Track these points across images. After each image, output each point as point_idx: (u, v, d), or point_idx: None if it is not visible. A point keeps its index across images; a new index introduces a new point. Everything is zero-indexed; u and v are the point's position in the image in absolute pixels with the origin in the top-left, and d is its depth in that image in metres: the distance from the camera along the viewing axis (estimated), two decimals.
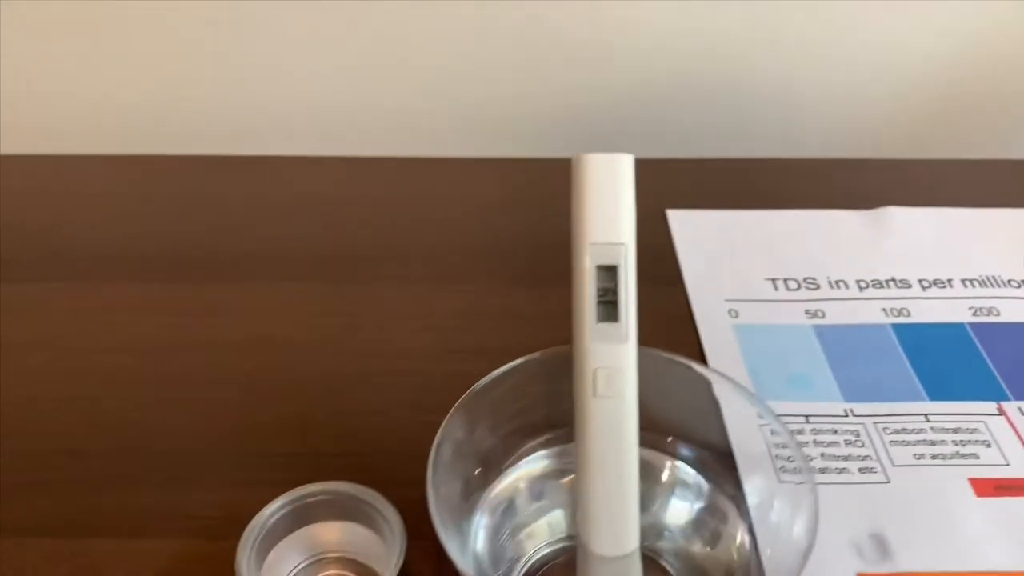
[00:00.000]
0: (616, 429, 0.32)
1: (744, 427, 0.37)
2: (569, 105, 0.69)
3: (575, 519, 0.32)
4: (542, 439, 0.37)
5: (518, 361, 0.36)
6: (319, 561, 0.37)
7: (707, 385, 0.37)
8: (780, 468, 0.35)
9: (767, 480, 0.35)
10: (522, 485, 0.37)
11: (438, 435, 0.33)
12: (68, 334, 0.50)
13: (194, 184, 0.63)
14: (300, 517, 0.36)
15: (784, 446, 0.34)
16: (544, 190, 0.63)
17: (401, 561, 0.34)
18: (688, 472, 0.37)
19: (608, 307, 0.32)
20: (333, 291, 0.54)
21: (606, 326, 0.31)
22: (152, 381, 0.47)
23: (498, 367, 0.36)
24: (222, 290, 0.53)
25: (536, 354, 0.36)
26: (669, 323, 0.51)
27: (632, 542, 0.32)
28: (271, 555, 0.36)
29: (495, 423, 0.36)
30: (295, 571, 0.37)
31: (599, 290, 0.32)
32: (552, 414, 0.36)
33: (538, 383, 0.36)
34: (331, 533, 0.37)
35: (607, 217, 0.31)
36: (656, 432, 0.36)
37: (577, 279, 0.32)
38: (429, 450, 0.43)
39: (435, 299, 0.53)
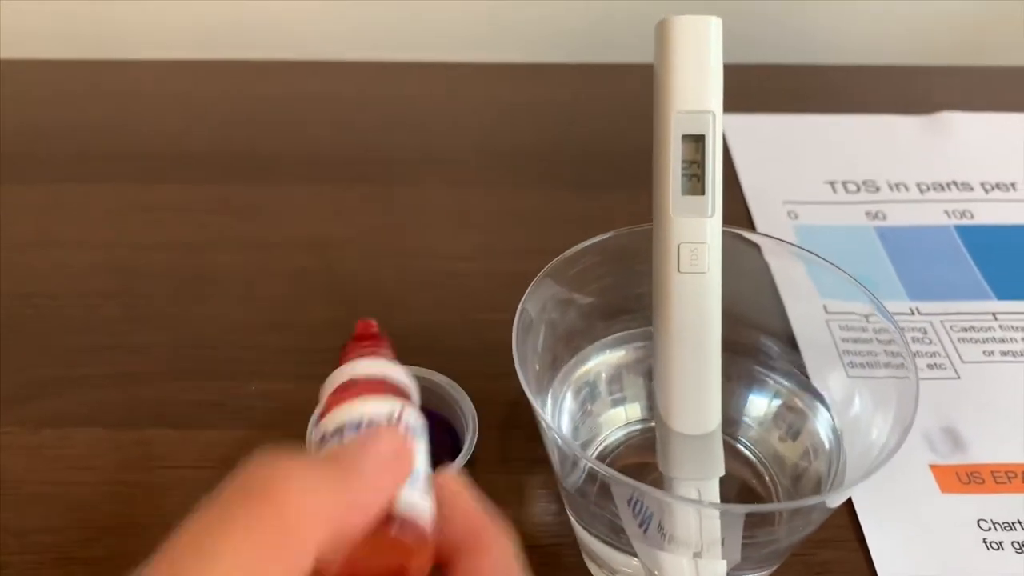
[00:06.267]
0: (700, 305, 0.30)
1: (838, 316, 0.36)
2: (610, 10, 0.67)
3: (655, 397, 0.31)
4: (620, 321, 0.36)
5: (599, 237, 0.34)
6: None
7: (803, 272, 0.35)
8: (869, 363, 0.34)
9: (856, 374, 0.35)
10: (600, 372, 0.37)
11: (522, 301, 0.32)
12: (113, 232, 0.49)
13: (239, 89, 0.61)
14: None
15: (890, 341, 0.33)
16: (587, 96, 0.62)
17: (474, 445, 0.33)
18: (772, 362, 0.36)
19: (693, 180, 0.30)
20: (377, 193, 0.52)
21: (691, 199, 0.30)
22: (199, 278, 0.46)
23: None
24: (265, 191, 0.52)
25: (615, 232, 0.34)
26: (736, 250, 0.50)
27: (714, 420, 0.31)
28: None
29: (573, 299, 0.35)
30: None
31: (684, 162, 0.30)
32: (630, 295, 0.35)
33: (617, 262, 0.35)
34: None
35: (694, 83, 0.29)
36: (737, 321, 0.35)
37: (660, 150, 0.30)
38: (478, 346, 0.43)
39: (480, 201, 0.52)
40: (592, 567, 0.34)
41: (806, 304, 0.36)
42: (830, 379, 0.35)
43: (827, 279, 0.35)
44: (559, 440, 0.30)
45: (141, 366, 0.42)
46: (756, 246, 0.35)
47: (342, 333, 0.45)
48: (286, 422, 0.39)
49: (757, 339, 0.36)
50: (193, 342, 0.43)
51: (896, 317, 0.43)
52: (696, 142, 0.30)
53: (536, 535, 0.35)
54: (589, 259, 0.34)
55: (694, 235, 0.30)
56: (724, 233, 0.31)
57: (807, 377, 0.36)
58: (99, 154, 0.55)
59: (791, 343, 0.36)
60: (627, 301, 0.35)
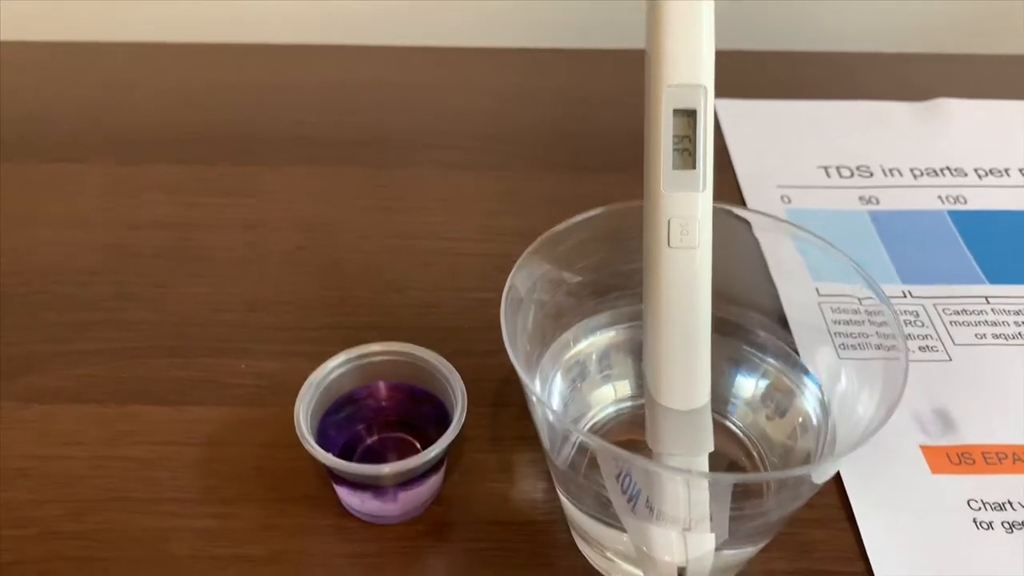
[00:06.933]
0: (691, 281, 0.30)
1: (827, 298, 0.36)
2: None
3: (644, 373, 0.31)
4: (610, 298, 0.36)
5: (589, 213, 0.34)
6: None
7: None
8: (860, 344, 0.34)
9: (847, 355, 0.35)
10: (590, 352, 0.36)
11: (510, 277, 0.32)
12: (104, 211, 0.49)
13: (233, 72, 0.61)
14: (361, 376, 0.35)
15: (878, 313, 0.33)
16: (583, 81, 0.62)
17: (462, 421, 0.33)
18: (760, 341, 0.36)
19: (684, 154, 0.30)
20: (371, 175, 0.52)
21: (682, 173, 0.30)
22: (190, 257, 0.46)
23: None
24: (258, 173, 0.52)
25: (605, 208, 0.34)
26: (726, 226, 0.50)
27: (703, 396, 0.31)
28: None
29: (562, 276, 0.35)
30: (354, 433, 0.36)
31: (675, 137, 0.30)
32: (619, 272, 0.35)
33: (607, 239, 0.34)
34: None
35: (686, 57, 0.29)
36: (726, 299, 0.35)
37: (651, 124, 0.30)
38: (470, 325, 0.43)
39: (474, 184, 0.52)
40: (581, 544, 0.34)
41: (796, 281, 0.36)
42: (819, 357, 0.35)
43: (817, 255, 0.35)
44: (549, 414, 0.30)
45: (130, 343, 0.42)
46: (746, 222, 0.35)
47: (333, 312, 0.45)
48: (275, 400, 0.38)
49: (746, 317, 0.36)
50: (183, 320, 0.43)
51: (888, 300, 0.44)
52: (687, 116, 0.30)
53: (526, 512, 0.35)
54: (579, 235, 0.34)
55: (685, 210, 0.30)
56: (714, 209, 0.30)
57: (797, 354, 0.35)
58: (92, 135, 0.55)
59: (781, 321, 0.36)
60: (617, 278, 0.35)
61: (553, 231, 0.33)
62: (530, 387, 0.29)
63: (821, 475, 0.30)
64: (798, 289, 0.37)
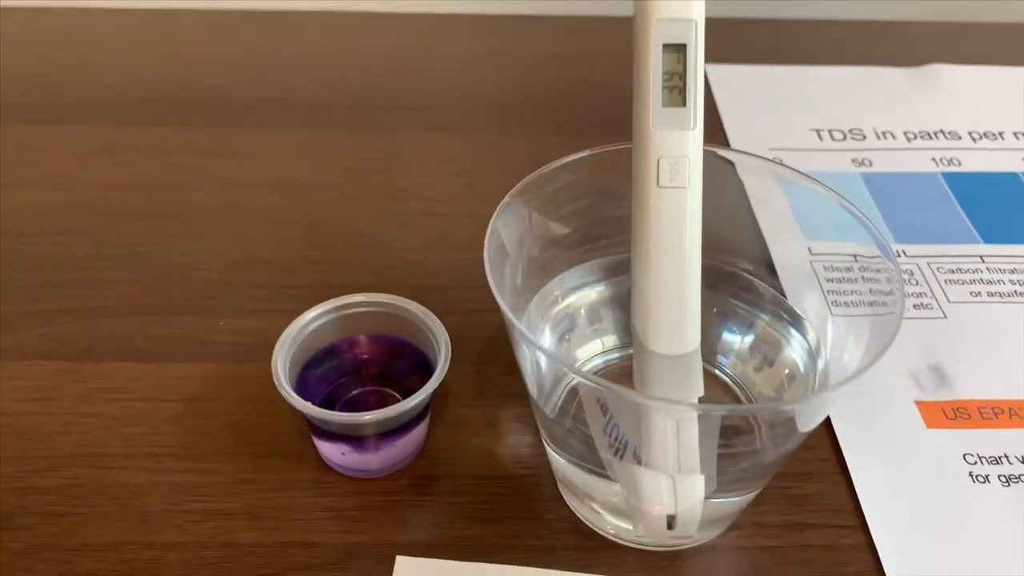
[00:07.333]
0: (680, 221, 0.29)
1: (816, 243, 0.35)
2: None
3: (632, 317, 0.30)
4: (598, 246, 0.35)
5: (575, 156, 0.33)
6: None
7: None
8: (848, 289, 0.33)
9: (835, 299, 0.34)
10: (579, 306, 0.35)
11: (492, 220, 0.31)
12: (85, 173, 0.48)
13: (217, 36, 0.60)
14: (341, 328, 0.34)
15: (875, 268, 0.32)
16: (572, 47, 0.61)
17: (446, 369, 0.32)
18: (748, 286, 0.35)
19: (674, 92, 0.29)
20: (355, 138, 0.51)
21: (672, 111, 0.29)
22: (171, 217, 0.45)
23: None
24: (241, 136, 0.51)
25: (591, 151, 0.33)
26: (711, 171, 0.49)
27: (693, 341, 0.30)
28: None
29: (547, 221, 0.34)
30: (334, 387, 0.35)
31: (664, 74, 0.29)
32: (607, 219, 0.34)
33: (594, 183, 0.33)
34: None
35: None
36: (712, 246, 0.34)
37: (639, 60, 0.29)
38: (456, 284, 0.42)
39: (461, 147, 0.51)
40: (568, 498, 0.33)
41: (781, 223, 0.35)
42: (808, 304, 0.34)
43: (802, 194, 0.34)
44: (539, 354, 0.29)
45: (106, 302, 0.40)
46: (730, 163, 0.34)
47: (315, 271, 0.44)
48: (254, 356, 0.37)
49: (733, 263, 0.35)
50: (161, 279, 0.42)
51: (882, 259, 0.43)
52: (677, 52, 0.29)
53: (511, 467, 0.34)
54: (564, 178, 0.33)
55: (674, 148, 0.29)
56: None
57: (784, 297, 0.35)
58: (73, 98, 0.54)
59: (768, 267, 0.35)
60: (605, 225, 0.34)
61: (537, 173, 0.32)
62: (517, 325, 0.28)
63: (811, 412, 0.29)
64: (781, 228, 0.36)
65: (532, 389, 0.31)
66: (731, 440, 0.28)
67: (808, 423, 0.30)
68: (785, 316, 0.35)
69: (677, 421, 0.27)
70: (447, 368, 0.32)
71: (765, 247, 0.36)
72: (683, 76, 0.29)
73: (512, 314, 0.29)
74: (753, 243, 0.36)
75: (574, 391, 0.30)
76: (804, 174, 0.34)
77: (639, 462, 0.29)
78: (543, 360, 0.31)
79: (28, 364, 0.38)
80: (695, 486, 0.29)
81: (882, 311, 0.31)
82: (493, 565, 0.31)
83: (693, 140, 0.29)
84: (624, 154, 0.30)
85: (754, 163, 0.35)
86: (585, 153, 0.33)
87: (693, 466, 0.27)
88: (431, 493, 0.33)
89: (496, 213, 0.31)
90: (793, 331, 0.34)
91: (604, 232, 0.34)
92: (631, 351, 0.31)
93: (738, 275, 0.35)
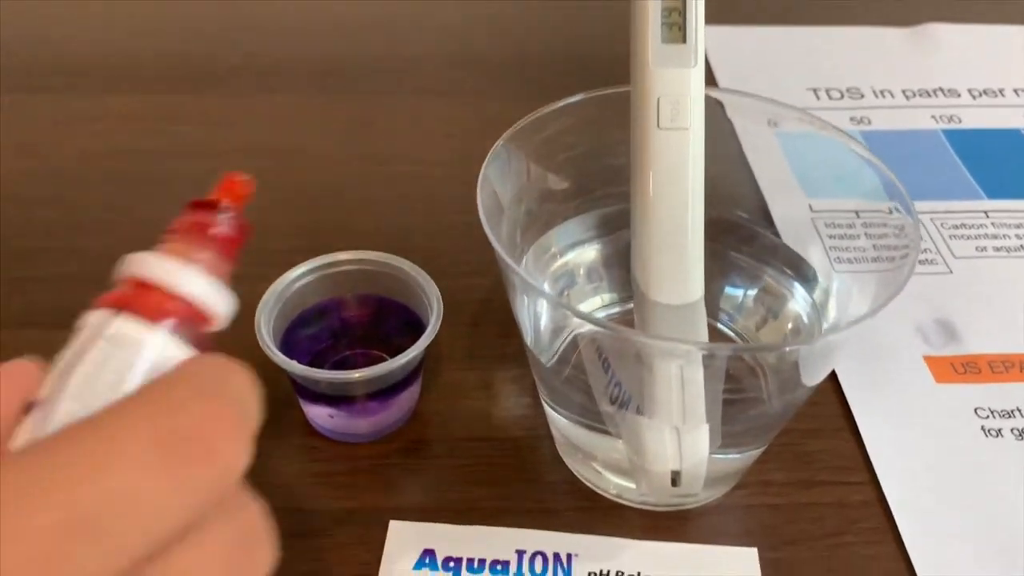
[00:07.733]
0: (682, 164, 0.28)
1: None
2: None
3: (633, 266, 0.29)
4: (595, 196, 0.33)
5: (568, 100, 0.31)
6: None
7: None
8: (852, 251, 0.32)
9: (834, 243, 0.33)
10: (577, 264, 0.34)
11: (483, 167, 0.29)
12: (58, 140, 0.46)
13: (188, 1, 0.58)
14: (328, 287, 0.33)
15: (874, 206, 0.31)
16: (562, 6, 0.59)
17: (438, 326, 0.30)
18: (749, 237, 0.34)
19: (674, 28, 0.28)
20: (341, 102, 0.49)
21: (672, 48, 0.28)
22: (147, 182, 0.43)
23: None
24: (224, 102, 0.49)
25: (585, 94, 0.32)
26: (707, 132, 0.48)
27: (697, 290, 0.28)
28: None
29: (542, 171, 0.32)
30: (321, 349, 0.34)
31: (664, 9, 0.28)
32: (605, 167, 0.32)
33: (590, 129, 0.32)
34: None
35: None
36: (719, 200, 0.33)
37: None
38: (448, 247, 0.40)
39: (451, 110, 0.49)
40: (568, 458, 0.31)
41: (774, 166, 0.34)
42: (810, 250, 0.33)
43: (798, 135, 0.33)
44: (539, 304, 0.28)
45: (77, 268, 0.39)
46: (719, 103, 0.33)
47: (301, 234, 0.42)
48: (237, 319, 0.35)
49: (730, 213, 0.34)
50: (137, 246, 0.40)
51: (883, 215, 0.42)
52: None
53: (508, 428, 0.33)
54: (558, 124, 0.31)
55: (676, 87, 0.28)
56: None
57: (783, 242, 0.33)
58: (44, 65, 0.52)
59: (765, 215, 0.34)
60: (602, 174, 0.32)
61: (529, 118, 0.31)
62: (517, 270, 0.26)
63: (818, 359, 0.28)
64: (775, 171, 0.35)
65: (529, 340, 0.29)
66: (737, 386, 0.26)
67: (814, 374, 0.28)
68: (788, 271, 0.33)
69: (681, 368, 0.26)
70: (439, 325, 0.31)
71: (758, 189, 0.35)
72: (683, 12, 0.28)
73: (508, 254, 0.27)
74: (752, 196, 0.35)
75: (574, 342, 0.29)
76: (799, 110, 0.33)
77: (641, 414, 0.28)
78: (543, 308, 0.29)
79: (14, 332, 0.36)
80: (700, 439, 0.27)
81: (887, 266, 0.29)
82: (491, 527, 0.29)
83: (695, 78, 0.28)
84: (622, 97, 0.29)
85: (747, 103, 0.33)
86: (579, 96, 0.31)
87: (698, 416, 0.26)
88: (425, 456, 0.32)
89: (487, 159, 0.30)
90: (797, 284, 0.33)
91: (603, 181, 0.33)
92: (631, 305, 0.30)
93: (740, 225, 0.34)
